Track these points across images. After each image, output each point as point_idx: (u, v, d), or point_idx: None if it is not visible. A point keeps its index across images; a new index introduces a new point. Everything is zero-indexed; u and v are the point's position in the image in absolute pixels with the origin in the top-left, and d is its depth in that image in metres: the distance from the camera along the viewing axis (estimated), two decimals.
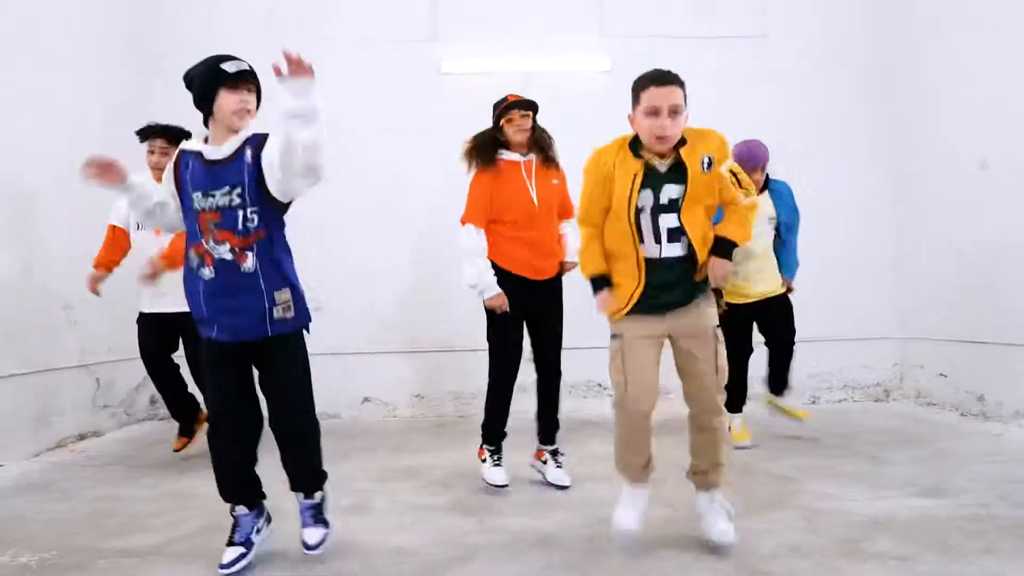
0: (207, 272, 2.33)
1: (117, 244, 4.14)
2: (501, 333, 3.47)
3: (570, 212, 3.64)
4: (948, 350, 5.22)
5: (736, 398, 4.20)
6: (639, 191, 2.44)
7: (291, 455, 2.51)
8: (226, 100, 2.33)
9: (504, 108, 3.49)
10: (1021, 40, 4.52)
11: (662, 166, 2.45)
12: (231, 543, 2.46)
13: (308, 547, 2.48)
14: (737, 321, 4.09)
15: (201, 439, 3.96)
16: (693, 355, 2.51)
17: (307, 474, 2.56)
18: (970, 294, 4.97)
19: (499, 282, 3.39)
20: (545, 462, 3.58)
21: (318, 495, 2.60)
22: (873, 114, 5.86)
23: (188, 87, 2.42)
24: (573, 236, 3.49)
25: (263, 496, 2.58)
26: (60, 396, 4.76)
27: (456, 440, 4.65)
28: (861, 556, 2.41)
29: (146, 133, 4.05)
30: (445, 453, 4.30)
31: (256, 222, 2.33)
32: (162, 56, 5.56)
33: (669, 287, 2.50)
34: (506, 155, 3.51)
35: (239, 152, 2.34)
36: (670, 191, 2.45)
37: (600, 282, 2.60)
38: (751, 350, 4.26)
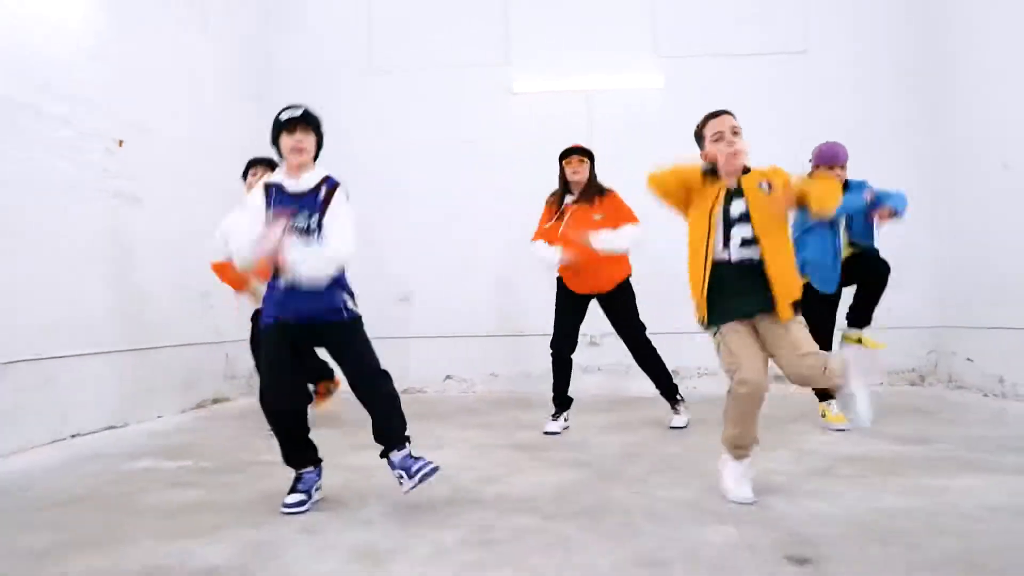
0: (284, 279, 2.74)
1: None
2: (556, 320, 4.45)
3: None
4: (975, 337, 5.66)
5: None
6: (719, 201, 2.79)
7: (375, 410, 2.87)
8: (284, 141, 2.80)
9: (563, 152, 4.42)
10: None
11: (732, 184, 2.82)
12: (295, 491, 2.79)
13: (423, 471, 2.76)
14: (820, 308, 4.22)
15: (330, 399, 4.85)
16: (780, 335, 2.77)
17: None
18: (994, 284, 5.41)
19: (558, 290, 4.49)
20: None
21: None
22: (907, 119, 6.33)
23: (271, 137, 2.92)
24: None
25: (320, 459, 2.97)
26: (200, 366, 5.82)
27: (521, 407, 5.45)
28: (829, 477, 3.06)
29: (253, 163, 4.69)
30: (510, 413, 5.12)
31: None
32: (273, 92, 6.62)
33: (739, 293, 2.75)
34: (567, 198, 4.42)
35: (317, 188, 2.80)
36: (739, 204, 2.78)
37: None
38: (831, 335, 4.39)
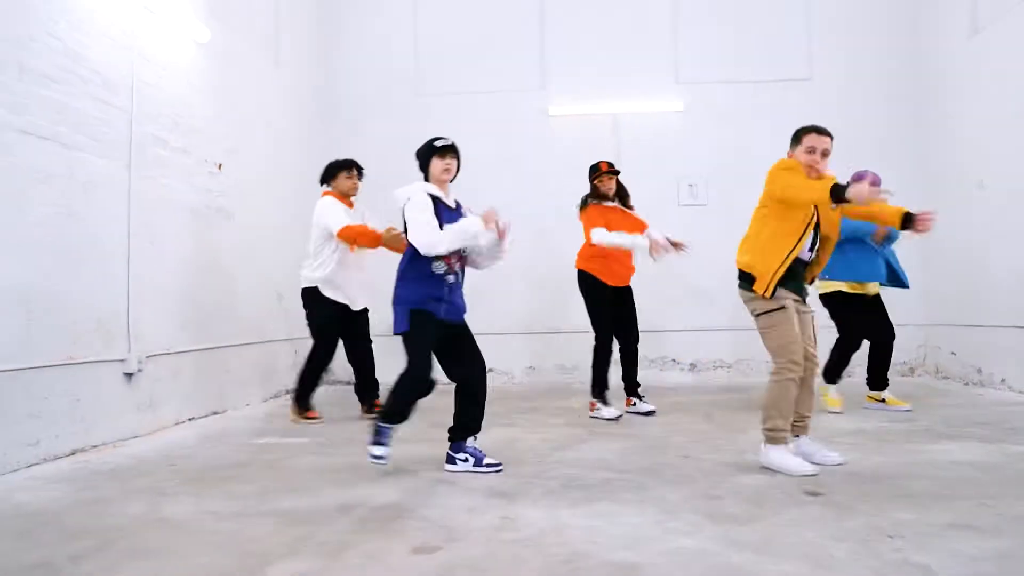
0: (451, 277, 3.46)
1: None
2: (600, 311, 5.12)
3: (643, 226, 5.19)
4: (958, 333, 6.49)
5: (835, 371, 5.10)
6: (815, 211, 3.37)
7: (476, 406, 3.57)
8: (436, 164, 3.51)
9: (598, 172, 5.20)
10: None
11: None
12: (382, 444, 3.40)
13: (495, 466, 3.47)
14: (854, 311, 5.01)
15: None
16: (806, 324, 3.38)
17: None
18: (973, 287, 6.23)
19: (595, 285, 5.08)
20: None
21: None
22: (902, 141, 7.14)
23: (417, 157, 3.62)
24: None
25: None
26: (276, 360, 6.61)
27: (562, 395, 6.26)
28: (832, 444, 3.86)
29: (351, 165, 5.31)
30: (555, 401, 5.93)
31: (466, 252, 3.59)
32: (333, 115, 7.40)
33: (795, 279, 3.34)
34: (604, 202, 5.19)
35: (458, 206, 3.61)
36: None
37: (838, 188, 3.01)
38: (861, 340, 5.11)
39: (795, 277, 3.36)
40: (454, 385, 3.58)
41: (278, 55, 6.85)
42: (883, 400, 5.10)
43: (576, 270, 5.24)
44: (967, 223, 6.32)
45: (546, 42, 7.53)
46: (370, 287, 5.24)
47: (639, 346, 5.30)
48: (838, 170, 7.15)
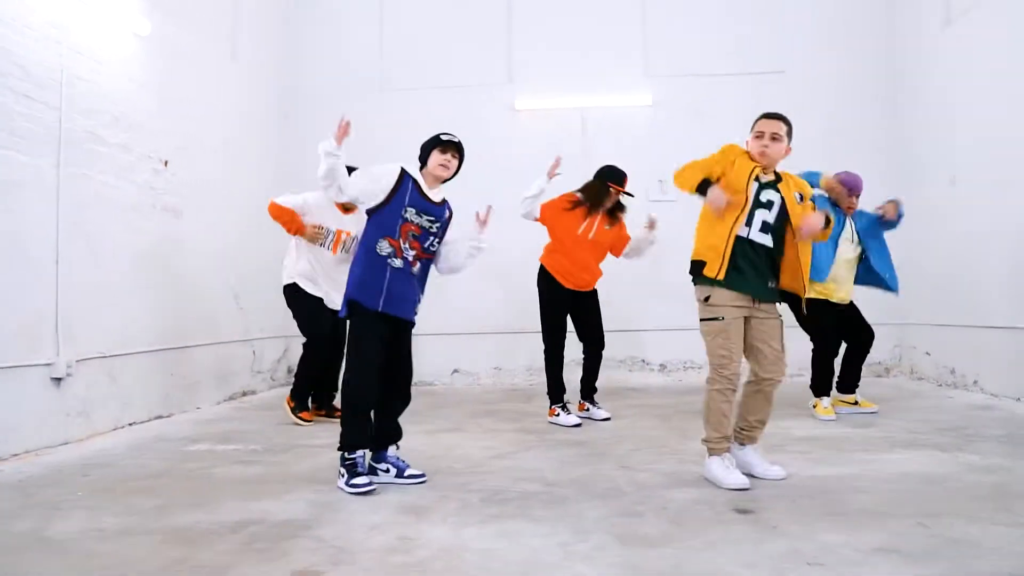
0: (397, 262, 3.20)
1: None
2: (552, 316, 4.94)
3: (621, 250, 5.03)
4: (933, 333, 6.30)
5: (824, 383, 4.87)
6: (752, 180, 3.16)
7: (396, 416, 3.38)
8: (435, 156, 3.29)
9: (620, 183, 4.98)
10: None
11: (764, 177, 3.21)
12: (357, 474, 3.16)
13: (418, 477, 3.29)
14: (828, 318, 4.85)
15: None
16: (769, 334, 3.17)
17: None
18: (947, 286, 6.04)
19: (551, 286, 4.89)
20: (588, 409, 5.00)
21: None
22: (875, 135, 6.94)
23: (421, 148, 3.39)
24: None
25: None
26: (232, 363, 6.43)
27: (525, 397, 6.08)
28: (780, 453, 3.68)
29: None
30: (516, 404, 5.74)
31: (434, 249, 3.38)
32: (297, 111, 7.22)
33: (752, 270, 3.11)
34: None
35: (444, 203, 3.36)
36: (768, 194, 3.17)
37: (704, 185, 3.14)
38: (839, 344, 5.02)
39: (756, 270, 3.14)
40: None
41: (235, 49, 6.65)
42: (856, 403, 4.96)
43: (539, 264, 5.06)
44: (941, 219, 6.13)
45: (513, 36, 7.33)
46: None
47: (604, 352, 5.10)
48: (816, 163, 6.99)
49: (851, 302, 5.03)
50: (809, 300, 4.61)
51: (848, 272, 4.96)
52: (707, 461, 3.17)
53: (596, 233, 4.91)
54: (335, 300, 4.91)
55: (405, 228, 3.22)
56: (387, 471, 3.29)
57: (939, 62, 6.21)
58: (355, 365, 3.18)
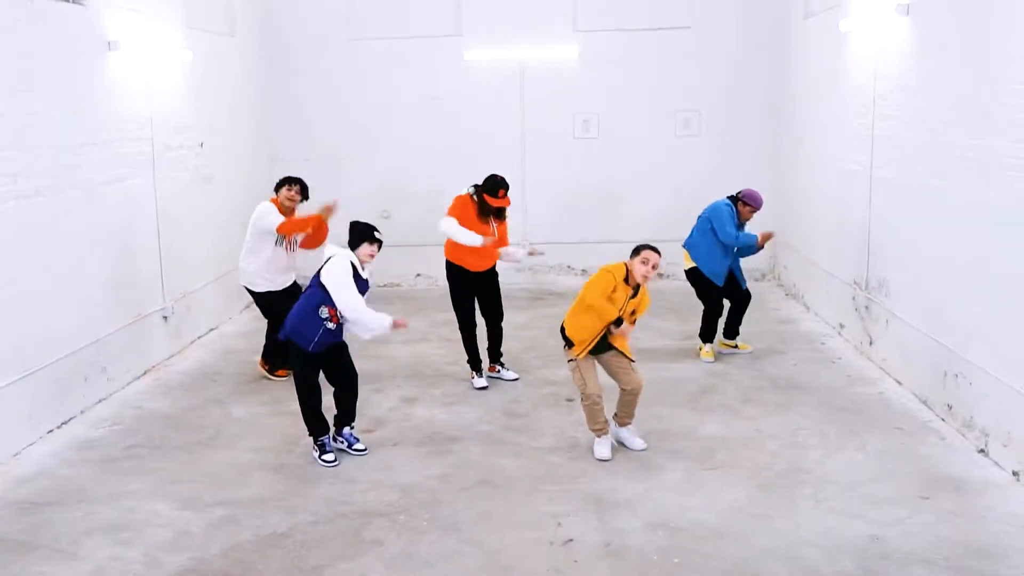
0: (330, 325, 4.28)
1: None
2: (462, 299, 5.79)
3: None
4: (788, 253, 8.23)
5: (708, 334, 6.12)
6: (627, 301, 4.38)
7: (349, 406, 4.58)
8: (364, 248, 4.37)
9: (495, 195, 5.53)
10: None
11: (630, 294, 4.40)
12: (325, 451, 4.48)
13: (362, 450, 4.55)
14: (716, 290, 6.04)
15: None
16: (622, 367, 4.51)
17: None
18: (799, 218, 7.90)
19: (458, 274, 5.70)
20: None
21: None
22: (760, 86, 8.50)
23: (352, 231, 4.42)
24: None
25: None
26: None
27: None
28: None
29: (292, 181, 5.75)
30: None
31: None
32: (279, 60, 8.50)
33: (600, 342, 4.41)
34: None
35: (368, 278, 4.43)
36: (631, 305, 4.43)
37: (617, 321, 4.32)
38: (722, 307, 6.14)
39: (601, 342, 4.47)
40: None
41: (234, 30, 7.81)
42: (735, 346, 6.33)
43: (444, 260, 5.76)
44: (795, 169, 7.91)
45: None
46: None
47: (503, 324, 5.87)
48: (708, 120, 8.39)
49: (733, 271, 6.19)
50: (693, 273, 6.17)
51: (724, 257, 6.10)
52: (594, 441, 4.59)
53: (498, 229, 5.64)
54: (284, 283, 5.78)
55: None
56: (342, 444, 4.59)
57: (800, 44, 7.76)
58: (299, 386, 4.46)
